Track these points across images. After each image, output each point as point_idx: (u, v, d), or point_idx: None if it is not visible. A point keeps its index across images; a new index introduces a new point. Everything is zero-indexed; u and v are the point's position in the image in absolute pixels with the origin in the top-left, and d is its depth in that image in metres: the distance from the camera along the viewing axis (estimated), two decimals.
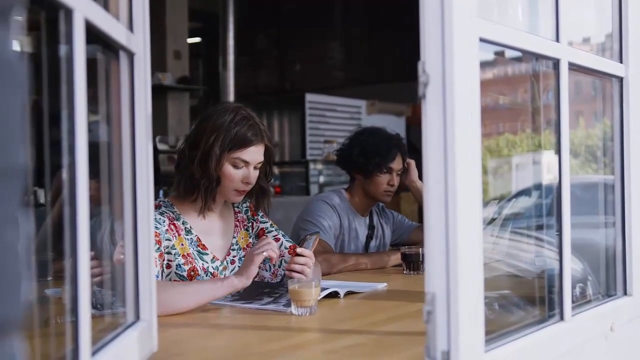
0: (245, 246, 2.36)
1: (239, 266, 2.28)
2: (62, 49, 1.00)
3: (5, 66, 0.55)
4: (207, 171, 2.16)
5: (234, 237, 2.35)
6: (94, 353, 1.07)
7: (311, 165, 7.54)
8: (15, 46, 0.58)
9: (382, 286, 2.35)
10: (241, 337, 1.69)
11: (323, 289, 2.03)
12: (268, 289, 2.13)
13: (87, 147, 1.02)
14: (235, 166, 2.19)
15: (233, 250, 2.33)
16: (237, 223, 2.38)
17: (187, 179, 2.19)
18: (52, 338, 1.26)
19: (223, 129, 2.16)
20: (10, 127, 0.55)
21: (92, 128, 1.09)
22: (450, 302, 1.16)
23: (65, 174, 1.01)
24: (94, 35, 1.11)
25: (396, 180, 3.02)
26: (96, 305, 1.33)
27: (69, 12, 0.98)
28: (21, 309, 0.58)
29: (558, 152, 1.53)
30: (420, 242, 2.99)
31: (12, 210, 0.56)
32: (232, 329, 1.75)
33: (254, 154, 2.21)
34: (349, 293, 2.17)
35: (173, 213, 2.20)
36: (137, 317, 1.36)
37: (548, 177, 1.90)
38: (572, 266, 1.55)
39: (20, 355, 0.59)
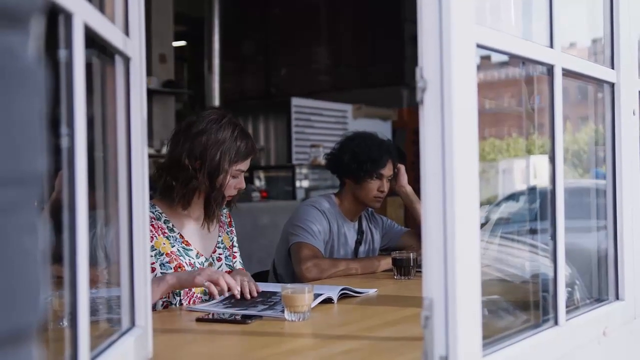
0: (228, 247, 2.45)
1: (225, 264, 2.40)
2: (62, 53, 0.99)
3: (25, 72, 0.54)
4: (214, 186, 2.24)
5: (219, 236, 2.43)
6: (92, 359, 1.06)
7: (297, 170, 7.51)
8: (35, 52, 0.57)
9: (372, 292, 2.35)
10: (235, 343, 1.69)
11: (317, 295, 2.03)
12: (261, 297, 2.12)
13: (86, 152, 1.01)
14: (234, 177, 2.30)
15: (219, 248, 2.41)
16: (221, 224, 2.47)
17: (191, 191, 2.25)
18: (47, 344, 1.24)
19: (227, 145, 2.24)
20: (29, 133, 0.55)
21: (87, 132, 1.08)
22: (449, 307, 1.16)
23: (63, 179, 1.00)
24: (90, 39, 1.10)
25: (386, 187, 3.02)
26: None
27: (68, 17, 0.98)
28: (39, 315, 0.57)
29: (552, 157, 1.54)
30: (409, 247, 2.99)
31: (30, 216, 0.55)
32: (227, 335, 1.74)
33: (249, 163, 2.34)
34: (343, 295, 2.18)
35: (153, 213, 2.23)
36: (133, 323, 1.35)
37: (537, 182, 1.91)
38: None
39: None
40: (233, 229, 2.51)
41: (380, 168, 2.99)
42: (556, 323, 1.51)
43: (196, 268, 2.26)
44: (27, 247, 0.55)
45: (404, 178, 3.12)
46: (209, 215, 2.31)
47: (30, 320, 0.56)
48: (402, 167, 3.13)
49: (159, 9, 7.62)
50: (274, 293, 2.16)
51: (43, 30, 0.65)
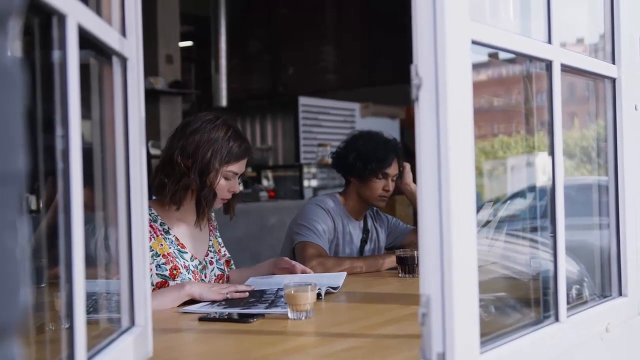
0: (217, 250, 2.49)
1: (217, 267, 2.43)
2: (55, 54, 1.00)
3: (4, 72, 0.55)
4: (205, 184, 2.27)
5: (210, 240, 2.47)
6: (89, 358, 1.06)
7: (305, 169, 7.51)
8: (13, 52, 0.58)
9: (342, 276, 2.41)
10: (237, 342, 1.69)
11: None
12: (253, 298, 2.11)
13: (81, 153, 1.01)
14: (226, 178, 2.32)
15: (211, 252, 2.44)
16: (211, 228, 2.51)
17: (182, 189, 2.28)
18: (44, 344, 1.25)
19: (219, 144, 2.27)
20: (9, 132, 0.55)
21: (84, 134, 1.08)
22: (445, 304, 1.16)
23: (59, 180, 1.01)
24: (86, 40, 1.10)
25: (391, 186, 3.02)
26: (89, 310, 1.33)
27: (62, 18, 0.98)
28: (20, 313, 0.58)
29: (551, 153, 1.53)
30: (415, 245, 2.99)
31: (11, 215, 0.56)
32: (228, 334, 1.75)
33: (243, 166, 2.36)
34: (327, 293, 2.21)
35: (150, 215, 2.25)
36: (133, 322, 1.35)
37: (543, 179, 1.90)
38: (568, 268, 1.56)
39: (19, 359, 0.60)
40: (217, 232, 2.56)
41: (385, 167, 2.98)
42: (557, 319, 1.51)
43: (191, 270, 2.30)
44: (7, 244, 0.55)
45: (409, 176, 3.12)
46: (199, 214, 2.33)
47: (10, 317, 0.56)
48: (407, 166, 3.12)
49: (165, 9, 7.63)
50: (264, 291, 2.19)
51: (21, 30, 0.66)
